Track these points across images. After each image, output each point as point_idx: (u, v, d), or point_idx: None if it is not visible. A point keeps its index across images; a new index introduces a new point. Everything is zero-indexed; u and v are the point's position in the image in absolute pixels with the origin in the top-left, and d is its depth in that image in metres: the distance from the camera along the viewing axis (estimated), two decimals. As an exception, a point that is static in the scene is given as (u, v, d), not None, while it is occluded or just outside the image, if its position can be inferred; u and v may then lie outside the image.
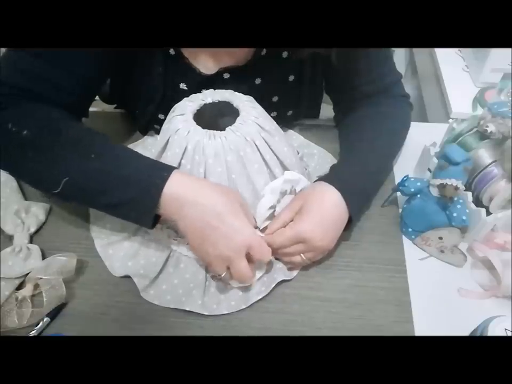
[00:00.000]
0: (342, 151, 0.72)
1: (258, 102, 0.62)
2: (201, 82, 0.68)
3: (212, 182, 0.56)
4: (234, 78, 0.69)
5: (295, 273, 0.60)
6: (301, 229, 0.56)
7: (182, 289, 0.58)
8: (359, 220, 0.65)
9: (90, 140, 0.57)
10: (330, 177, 0.61)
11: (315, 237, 0.56)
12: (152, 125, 0.75)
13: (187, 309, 0.56)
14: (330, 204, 0.58)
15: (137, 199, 0.53)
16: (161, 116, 0.72)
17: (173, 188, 0.52)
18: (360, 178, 0.62)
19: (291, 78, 0.72)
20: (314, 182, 0.63)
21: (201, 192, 0.53)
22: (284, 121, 0.78)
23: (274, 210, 0.60)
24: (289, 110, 0.77)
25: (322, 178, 0.61)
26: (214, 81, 0.68)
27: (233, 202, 0.54)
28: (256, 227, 0.59)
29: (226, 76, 0.68)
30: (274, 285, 0.58)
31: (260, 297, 0.58)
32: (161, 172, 0.53)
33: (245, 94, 0.62)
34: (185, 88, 0.69)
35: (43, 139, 0.55)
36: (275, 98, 0.74)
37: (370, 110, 0.72)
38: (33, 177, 0.58)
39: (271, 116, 0.74)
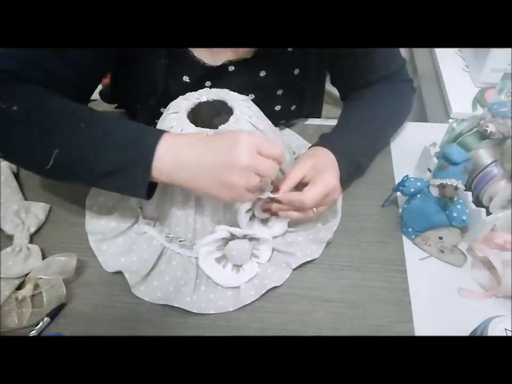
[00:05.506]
0: (338, 121, 0.75)
1: (263, 95, 0.61)
2: (205, 75, 0.68)
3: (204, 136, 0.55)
4: (239, 71, 0.69)
5: (286, 276, 0.60)
6: (330, 183, 0.59)
7: (173, 286, 0.59)
8: (348, 186, 0.71)
9: (78, 110, 0.56)
10: (325, 143, 0.66)
11: (337, 189, 0.61)
12: (153, 119, 0.75)
13: (175, 305, 0.57)
14: (335, 163, 0.63)
15: (131, 163, 0.52)
16: (162, 110, 0.71)
17: (166, 146, 0.52)
18: (349, 146, 0.67)
19: (296, 71, 0.73)
20: (309, 148, 0.68)
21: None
22: (287, 116, 0.79)
23: (253, 213, 0.60)
24: (293, 104, 0.78)
25: (317, 144, 0.67)
26: (218, 74, 0.68)
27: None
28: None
29: (231, 68, 0.69)
30: (264, 291, 0.58)
31: (249, 301, 0.58)
32: (153, 134, 0.53)
33: (249, 87, 0.62)
34: (188, 81, 0.69)
35: (32, 113, 0.54)
36: (279, 92, 0.74)
37: (371, 91, 0.76)
38: (24, 154, 0.56)
39: (275, 110, 0.75)
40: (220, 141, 0.52)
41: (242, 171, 0.50)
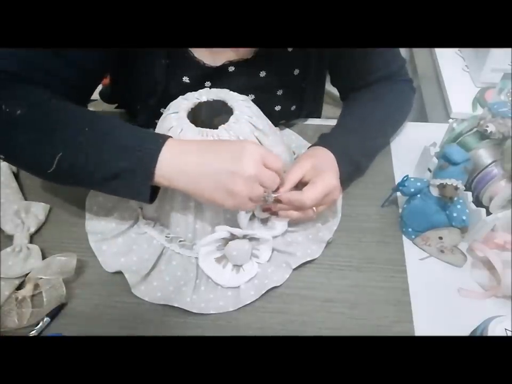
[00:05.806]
0: (337, 121, 0.75)
1: (263, 95, 0.61)
2: (205, 75, 0.68)
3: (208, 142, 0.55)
4: (239, 71, 0.69)
5: (286, 276, 0.60)
6: (330, 182, 0.59)
7: (173, 286, 0.59)
8: (347, 185, 0.71)
9: (81, 114, 0.56)
10: (324, 143, 0.66)
11: (337, 189, 0.61)
12: (153, 120, 0.75)
13: (175, 305, 0.57)
14: (335, 163, 0.63)
15: (133, 167, 0.52)
16: (162, 110, 0.71)
17: (169, 152, 0.52)
18: (348, 146, 0.67)
19: (296, 72, 0.73)
20: (309, 147, 0.68)
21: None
22: (287, 116, 0.79)
23: (253, 213, 0.60)
24: (293, 104, 0.78)
25: (317, 144, 0.67)
26: (218, 74, 0.68)
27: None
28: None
29: (231, 69, 0.69)
30: (264, 291, 0.58)
31: (249, 301, 0.58)
32: (157, 138, 0.53)
33: (249, 87, 0.62)
34: (188, 81, 0.69)
35: (36, 117, 0.54)
36: (279, 92, 0.74)
37: (371, 91, 0.76)
38: (27, 158, 0.55)
39: (275, 110, 0.75)
40: (225, 149, 0.52)
41: (246, 180, 0.51)
